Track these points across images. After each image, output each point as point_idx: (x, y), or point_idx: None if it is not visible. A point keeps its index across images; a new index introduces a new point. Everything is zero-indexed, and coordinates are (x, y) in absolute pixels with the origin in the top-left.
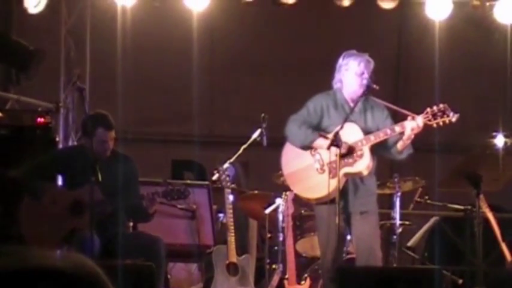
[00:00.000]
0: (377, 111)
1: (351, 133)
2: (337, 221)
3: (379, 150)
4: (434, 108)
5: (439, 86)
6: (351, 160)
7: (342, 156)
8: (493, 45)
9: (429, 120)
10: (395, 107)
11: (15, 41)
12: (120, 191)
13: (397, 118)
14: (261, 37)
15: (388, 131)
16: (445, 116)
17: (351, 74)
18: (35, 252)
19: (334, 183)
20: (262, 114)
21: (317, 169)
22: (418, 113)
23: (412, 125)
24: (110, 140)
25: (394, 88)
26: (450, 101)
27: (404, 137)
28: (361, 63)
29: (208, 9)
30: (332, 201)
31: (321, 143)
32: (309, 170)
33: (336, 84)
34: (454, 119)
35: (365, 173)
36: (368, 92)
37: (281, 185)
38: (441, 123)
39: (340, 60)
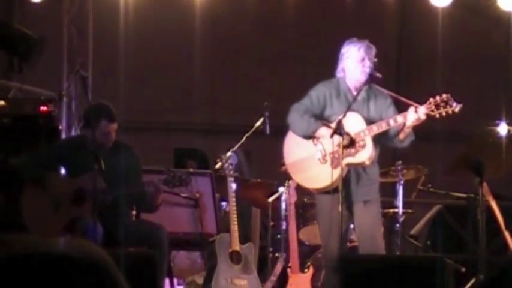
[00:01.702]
0: (380, 99)
1: (354, 123)
2: (340, 210)
3: (382, 139)
4: (437, 98)
5: (441, 74)
6: (353, 150)
7: (344, 146)
8: (496, 33)
9: (432, 111)
10: (398, 96)
11: (18, 29)
12: (122, 180)
13: (400, 107)
14: (263, 26)
15: (391, 122)
16: (448, 106)
17: (352, 61)
18: (42, 239)
19: (336, 174)
20: (265, 103)
21: (319, 159)
22: (421, 102)
23: (415, 116)
24: (113, 131)
25: (395, 77)
26: (453, 89)
27: (405, 127)
28: (361, 49)
29: None
30: (334, 190)
31: (324, 132)
32: (310, 160)
33: (339, 74)
34: (457, 110)
35: (367, 163)
36: (371, 79)
37: (284, 174)
38: (444, 114)
39: (342, 49)
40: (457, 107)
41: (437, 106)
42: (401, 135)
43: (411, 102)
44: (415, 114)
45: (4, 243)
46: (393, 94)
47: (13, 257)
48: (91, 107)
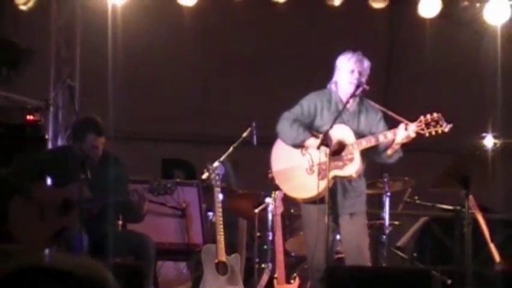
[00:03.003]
0: (371, 114)
1: (343, 135)
2: (326, 221)
3: (369, 154)
4: (428, 117)
5: (428, 86)
6: (340, 163)
7: (333, 155)
8: (484, 45)
9: (422, 129)
10: (390, 113)
11: (5, 38)
12: (109, 190)
13: (389, 121)
14: (253, 36)
15: (381, 137)
16: (438, 126)
17: (342, 72)
18: (41, 252)
19: (322, 185)
20: (252, 114)
21: (306, 169)
22: (408, 113)
23: (405, 133)
24: (100, 145)
25: (385, 87)
26: (440, 101)
27: (394, 143)
28: (351, 60)
29: (200, 8)
30: (320, 201)
31: (312, 142)
32: (298, 170)
33: (330, 85)
34: (446, 130)
35: (354, 176)
36: (358, 90)
37: (271, 184)
38: (434, 133)
39: (336, 61)
40: (446, 127)
41: (427, 125)
42: (389, 151)
43: (402, 119)
44: (405, 132)
45: (7, 256)
46: (384, 109)
47: (17, 271)
48: (79, 121)
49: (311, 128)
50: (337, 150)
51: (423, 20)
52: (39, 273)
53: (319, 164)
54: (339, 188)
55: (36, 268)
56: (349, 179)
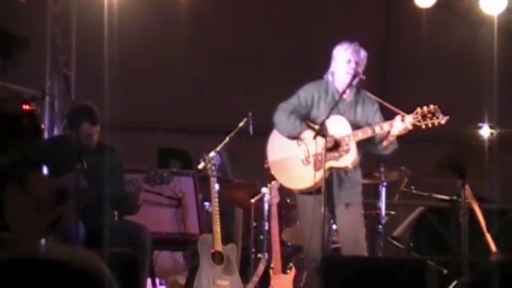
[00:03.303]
0: (367, 105)
1: (339, 126)
2: (322, 211)
3: (365, 145)
4: (425, 109)
5: (425, 76)
6: (336, 154)
7: (328, 149)
8: (480, 35)
9: (418, 121)
10: (386, 104)
11: (0, 27)
12: (105, 180)
13: (386, 113)
14: (248, 26)
15: (377, 129)
16: (435, 118)
17: (339, 62)
18: (36, 243)
19: (318, 176)
20: (248, 103)
21: (302, 160)
22: (405, 103)
23: (401, 125)
24: (95, 133)
25: (381, 77)
26: (436, 91)
27: (390, 135)
28: (348, 50)
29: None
30: (317, 191)
31: (308, 136)
32: (293, 160)
33: (327, 76)
34: (443, 122)
35: (350, 167)
36: (355, 80)
37: (267, 174)
38: (430, 125)
39: (333, 51)
40: (443, 119)
41: (423, 117)
42: (385, 143)
43: (398, 111)
44: (402, 124)
45: (3, 245)
46: (381, 101)
47: (12, 261)
48: (74, 108)
49: (307, 119)
50: (332, 147)
51: (420, 10)
52: (34, 264)
53: (315, 155)
54: (335, 179)
55: (30, 259)
56: (345, 170)
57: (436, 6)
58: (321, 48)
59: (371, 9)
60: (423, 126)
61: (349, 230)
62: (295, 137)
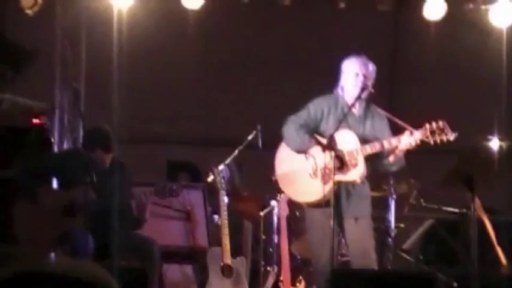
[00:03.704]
0: (377, 120)
1: (347, 140)
2: (331, 225)
3: (372, 163)
4: (433, 124)
5: (435, 87)
6: (345, 168)
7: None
8: (489, 47)
9: (427, 137)
10: (395, 119)
11: (10, 40)
12: (114, 195)
13: (394, 128)
14: (258, 38)
15: (385, 144)
16: (443, 134)
17: (347, 75)
18: (44, 257)
19: (326, 189)
20: (257, 117)
21: (310, 174)
22: (414, 116)
23: (410, 140)
24: (108, 159)
25: (389, 89)
26: (445, 102)
27: (398, 150)
28: (356, 63)
29: (205, 11)
30: (325, 204)
31: (316, 152)
32: (301, 173)
33: (337, 90)
34: (452, 138)
35: (359, 181)
36: (364, 93)
37: (274, 184)
38: (438, 141)
39: (341, 65)
40: (452, 136)
41: (432, 133)
42: (392, 158)
43: (407, 126)
44: (410, 139)
45: (13, 259)
46: (390, 116)
47: (17, 275)
48: (90, 132)
49: (316, 132)
50: (340, 163)
51: (428, 22)
52: (40, 278)
53: (323, 168)
54: (343, 193)
55: (36, 273)
56: (353, 184)
57: (444, 18)
58: (330, 60)
59: (379, 21)
60: (431, 142)
61: (359, 243)
62: (303, 151)
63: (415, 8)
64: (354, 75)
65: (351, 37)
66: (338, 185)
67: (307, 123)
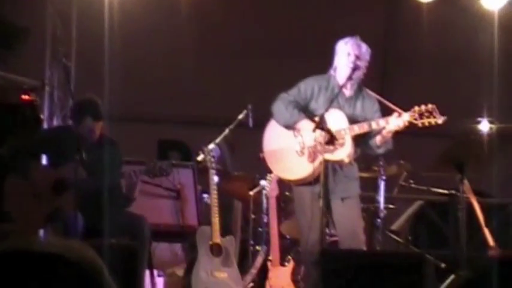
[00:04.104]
0: (368, 102)
1: (336, 120)
2: (320, 204)
3: (359, 143)
4: (422, 107)
5: (425, 71)
6: (332, 147)
7: (324, 143)
8: (481, 31)
9: (415, 119)
10: (385, 101)
11: (1, 17)
12: (104, 172)
13: (384, 110)
14: (248, 20)
15: (373, 124)
16: (432, 117)
17: (340, 55)
18: (31, 236)
19: (311, 168)
20: (248, 96)
21: (297, 151)
22: (405, 99)
23: (397, 122)
24: (98, 129)
25: (381, 72)
26: (436, 85)
27: (384, 131)
28: (348, 43)
29: None
30: (313, 183)
31: (305, 124)
32: (288, 151)
33: (330, 71)
34: (440, 121)
35: (346, 160)
36: (355, 73)
37: (265, 167)
38: (427, 124)
39: (335, 47)
40: (440, 119)
41: (420, 115)
42: (379, 139)
43: (396, 108)
44: (398, 120)
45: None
46: (380, 98)
47: (6, 253)
48: (77, 102)
49: (306, 111)
50: (328, 141)
51: (420, 5)
52: (25, 257)
53: (310, 147)
54: (330, 173)
55: (22, 252)
56: (340, 163)
57: (436, 2)
58: (322, 42)
59: (371, 4)
60: (419, 125)
61: (347, 224)
62: (292, 127)
63: None
64: (346, 55)
65: (343, 20)
66: (325, 164)
67: (296, 100)
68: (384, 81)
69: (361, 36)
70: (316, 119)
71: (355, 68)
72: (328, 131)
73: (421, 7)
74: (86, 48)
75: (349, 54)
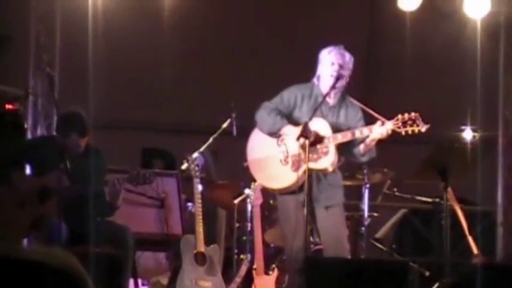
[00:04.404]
0: (351, 111)
1: (320, 129)
2: (304, 213)
3: (343, 151)
4: (406, 115)
5: (409, 78)
6: (315, 156)
7: (310, 144)
8: (464, 38)
9: (398, 128)
10: (369, 110)
11: None
12: (87, 181)
13: (367, 119)
14: (232, 26)
15: (357, 132)
16: (415, 125)
17: (323, 64)
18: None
19: (295, 176)
20: (232, 104)
21: (280, 160)
22: (388, 107)
23: (381, 130)
24: (83, 143)
25: (364, 80)
26: (420, 93)
27: (367, 140)
28: (332, 53)
29: None
30: (298, 191)
31: (288, 131)
32: (272, 160)
33: (313, 80)
34: (423, 130)
35: (330, 169)
36: (339, 83)
37: (250, 175)
38: (410, 132)
39: (318, 56)
40: (423, 127)
41: (404, 123)
42: (362, 148)
43: (379, 117)
44: (381, 129)
45: None
46: (363, 107)
47: None
48: (64, 116)
49: (289, 119)
50: (314, 142)
51: (403, 13)
52: (6, 264)
53: (294, 156)
54: (314, 181)
55: (6, 259)
56: (324, 172)
57: (419, 9)
58: (306, 50)
59: (354, 12)
60: (403, 133)
61: (331, 232)
62: (275, 134)
63: None
64: (329, 64)
65: (327, 27)
66: (309, 172)
67: (279, 108)
68: (367, 89)
69: (344, 43)
70: (299, 127)
71: (338, 77)
72: (315, 133)
73: (405, 15)
74: (69, 56)
75: (332, 63)
